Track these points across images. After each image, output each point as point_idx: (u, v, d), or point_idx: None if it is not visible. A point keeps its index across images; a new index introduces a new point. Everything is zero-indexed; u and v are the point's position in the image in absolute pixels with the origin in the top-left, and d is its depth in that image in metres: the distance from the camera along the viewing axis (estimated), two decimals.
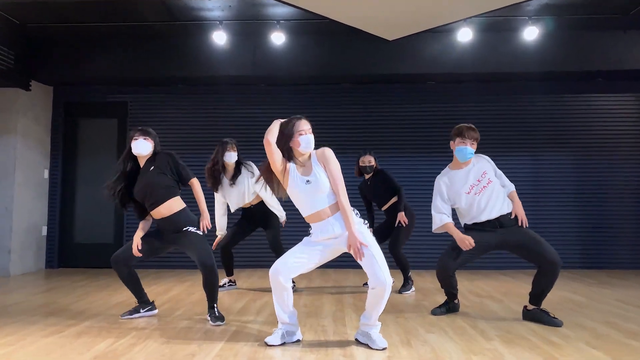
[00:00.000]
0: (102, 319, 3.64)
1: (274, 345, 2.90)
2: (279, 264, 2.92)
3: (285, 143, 2.91)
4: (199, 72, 6.33)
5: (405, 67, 6.25)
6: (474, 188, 3.59)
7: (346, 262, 6.31)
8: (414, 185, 6.49)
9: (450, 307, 3.85)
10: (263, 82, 6.72)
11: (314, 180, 2.86)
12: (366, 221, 2.97)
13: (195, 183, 3.61)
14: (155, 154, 3.65)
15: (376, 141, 6.58)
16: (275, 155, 2.88)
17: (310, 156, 2.95)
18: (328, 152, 2.92)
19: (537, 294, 3.57)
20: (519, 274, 6.03)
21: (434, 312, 3.80)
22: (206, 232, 3.59)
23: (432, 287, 5.06)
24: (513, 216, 3.58)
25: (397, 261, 4.75)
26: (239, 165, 4.77)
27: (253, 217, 4.84)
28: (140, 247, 3.57)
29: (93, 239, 6.75)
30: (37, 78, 6.45)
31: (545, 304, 4.12)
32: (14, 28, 5.93)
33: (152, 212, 3.58)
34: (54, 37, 6.25)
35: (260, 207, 4.80)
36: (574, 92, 6.64)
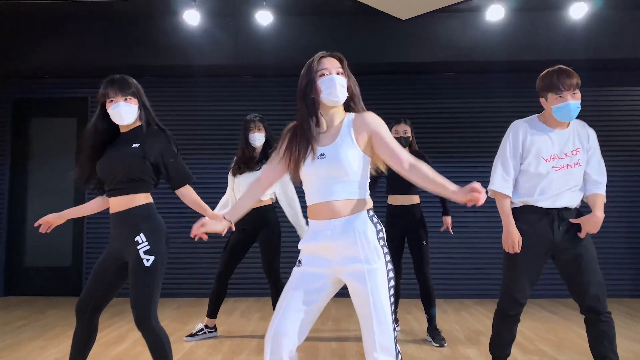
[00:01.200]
0: None
1: None
2: (280, 323, 1.81)
3: (307, 95, 1.91)
4: (170, 61, 5.29)
5: (420, 55, 5.22)
6: (555, 160, 2.51)
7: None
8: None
9: None
10: (247, 72, 5.66)
11: (330, 154, 1.84)
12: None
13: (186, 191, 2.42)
14: (145, 127, 2.40)
15: None
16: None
17: (343, 120, 1.94)
18: (373, 116, 1.95)
19: None
20: (557, 304, 4.96)
21: None
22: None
23: (419, 330, 3.98)
24: (576, 220, 2.48)
25: (426, 288, 3.71)
26: (266, 148, 3.68)
27: (252, 223, 3.66)
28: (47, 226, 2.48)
29: (47, 262, 5.71)
30: None
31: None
32: None
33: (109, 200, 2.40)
34: None
35: (264, 212, 3.73)
36: (627, 85, 5.56)
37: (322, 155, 1.83)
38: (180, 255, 5.48)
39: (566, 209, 2.47)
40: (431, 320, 3.70)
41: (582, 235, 2.44)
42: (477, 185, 1.65)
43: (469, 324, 4.27)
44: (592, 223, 2.42)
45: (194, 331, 3.76)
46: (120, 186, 2.31)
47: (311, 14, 5.14)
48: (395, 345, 1.76)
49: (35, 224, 2.49)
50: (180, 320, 4.42)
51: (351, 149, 1.83)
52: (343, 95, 1.89)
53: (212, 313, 3.78)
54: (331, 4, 4.90)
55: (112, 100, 2.33)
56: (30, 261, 5.73)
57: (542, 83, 2.51)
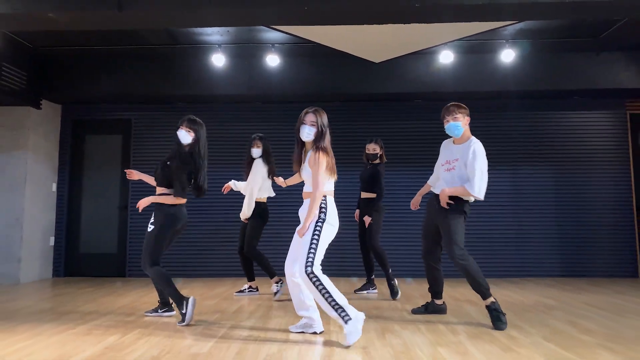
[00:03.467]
0: (109, 318, 4.00)
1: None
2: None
3: (298, 133, 3.43)
4: (198, 91, 6.73)
5: (392, 87, 6.66)
6: (445, 165, 3.91)
7: (339, 270, 6.70)
8: (398, 197, 6.87)
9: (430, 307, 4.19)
10: (258, 100, 7.13)
11: (304, 168, 3.43)
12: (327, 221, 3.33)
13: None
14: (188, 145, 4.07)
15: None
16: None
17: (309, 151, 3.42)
18: (310, 156, 3.35)
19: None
20: (501, 281, 6.37)
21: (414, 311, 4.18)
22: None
23: (417, 294, 5.40)
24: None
25: (376, 254, 5.05)
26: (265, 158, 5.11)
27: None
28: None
29: (97, 249, 7.10)
30: (47, 97, 6.86)
31: (517, 307, 4.49)
32: (27, 51, 6.36)
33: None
34: (63, 59, 6.68)
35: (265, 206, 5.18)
36: (551, 110, 7.06)
37: (302, 168, 3.42)
38: (206, 241, 6.91)
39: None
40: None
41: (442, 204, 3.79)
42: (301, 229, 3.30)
43: (423, 288, 5.69)
44: (444, 190, 3.77)
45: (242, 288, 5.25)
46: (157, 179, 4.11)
47: (307, 56, 6.63)
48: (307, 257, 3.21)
49: (127, 171, 4.20)
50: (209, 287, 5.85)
51: (307, 168, 3.37)
52: (308, 138, 3.39)
53: (249, 277, 5.22)
54: (322, 49, 6.32)
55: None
56: (85, 249, 7.13)
57: (441, 116, 3.96)
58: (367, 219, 5.08)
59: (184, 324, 3.68)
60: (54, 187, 7.12)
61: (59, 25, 4.24)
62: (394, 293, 4.99)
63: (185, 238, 6.94)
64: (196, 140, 3.99)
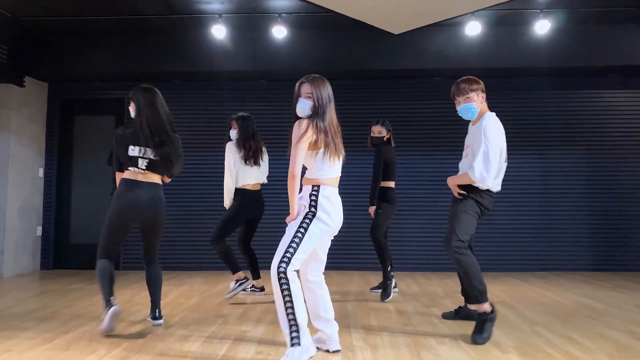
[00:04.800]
0: (94, 326, 3.45)
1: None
2: None
3: (294, 107, 2.84)
4: (197, 67, 6.13)
5: (410, 62, 6.05)
6: (464, 150, 3.37)
7: (351, 264, 6.16)
8: (419, 183, 6.30)
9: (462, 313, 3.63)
10: (263, 77, 6.52)
11: None
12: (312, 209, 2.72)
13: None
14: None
15: None
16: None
17: None
18: (295, 127, 2.76)
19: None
20: (530, 276, 5.83)
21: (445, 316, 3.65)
22: None
23: (441, 291, 4.86)
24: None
25: (376, 245, 4.51)
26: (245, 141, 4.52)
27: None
28: None
29: (90, 240, 6.52)
30: (31, 74, 6.27)
31: (559, 311, 3.95)
32: (7, 21, 5.73)
33: None
34: (49, 31, 6.06)
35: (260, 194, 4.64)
36: (586, 88, 6.43)
37: None
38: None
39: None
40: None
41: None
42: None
43: (449, 286, 5.14)
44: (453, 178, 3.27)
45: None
46: None
47: (317, 28, 6.00)
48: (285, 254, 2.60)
49: None
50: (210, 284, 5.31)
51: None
52: (303, 114, 2.78)
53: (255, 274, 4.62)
54: (334, 20, 5.73)
55: None
56: (75, 239, 6.59)
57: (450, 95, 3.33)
58: (372, 209, 4.54)
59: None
60: (41, 172, 6.55)
61: None
62: (385, 294, 4.44)
63: (185, 228, 6.39)
64: (137, 112, 3.38)
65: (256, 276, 4.68)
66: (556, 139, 6.38)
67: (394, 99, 6.53)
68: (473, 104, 3.18)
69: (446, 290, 4.95)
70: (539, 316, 3.79)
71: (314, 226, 2.66)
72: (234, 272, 4.40)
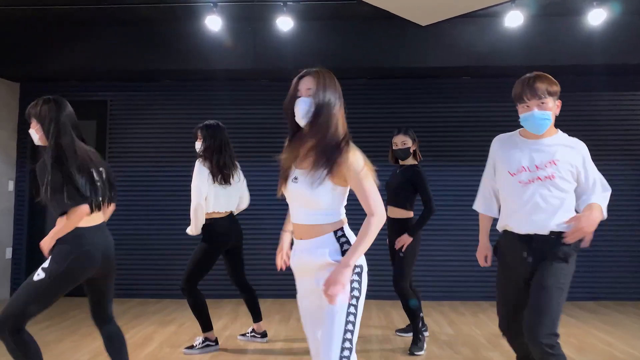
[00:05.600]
0: None
1: None
2: None
3: (290, 116, 1.90)
4: (190, 65, 5.30)
5: (435, 59, 5.21)
6: (524, 173, 2.31)
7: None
8: (443, 198, 5.45)
9: None
10: (265, 77, 5.68)
11: (302, 181, 1.81)
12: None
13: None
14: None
15: None
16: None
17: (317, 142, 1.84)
18: (354, 157, 1.80)
19: None
20: (575, 308, 4.99)
21: None
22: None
23: (480, 335, 4.02)
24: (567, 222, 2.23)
25: (403, 298, 3.59)
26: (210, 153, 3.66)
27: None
28: None
29: None
30: (1, 72, 5.45)
31: None
32: None
33: None
34: (19, 24, 5.25)
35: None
36: None
37: (295, 178, 1.82)
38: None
39: (540, 235, 2.25)
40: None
41: (585, 244, 2.25)
42: (327, 283, 1.70)
43: (488, 327, 4.31)
44: (584, 217, 2.14)
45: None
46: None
47: (329, 18, 5.16)
48: None
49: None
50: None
51: (324, 183, 1.77)
52: (303, 118, 1.83)
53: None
54: (349, 9, 4.91)
55: None
56: None
57: (513, 92, 2.39)
58: (402, 241, 3.59)
59: None
60: (11, 185, 5.73)
61: None
62: (416, 347, 3.55)
63: (176, 247, 5.56)
64: (42, 135, 2.47)
65: (257, 318, 3.86)
66: (609, 146, 5.51)
67: (415, 101, 5.69)
68: (550, 112, 2.29)
69: (485, 332, 4.12)
70: None
71: (364, 288, 1.82)
72: (203, 330, 3.58)
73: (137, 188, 5.70)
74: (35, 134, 2.50)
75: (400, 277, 3.58)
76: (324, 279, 1.72)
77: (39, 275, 2.32)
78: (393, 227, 3.74)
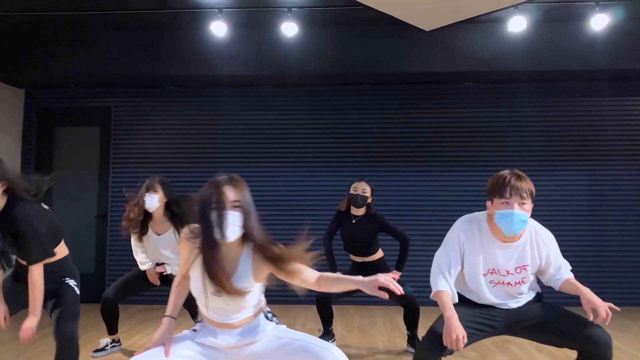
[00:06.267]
0: None
1: None
2: None
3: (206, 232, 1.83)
4: (194, 71, 5.32)
5: (439, 65, 5.23)
6: (494, 275, 2.30)
7: (371, 299, 5.26)
8: (446, 203, 5.45)
9: None
10: (269, 83, 5.69)
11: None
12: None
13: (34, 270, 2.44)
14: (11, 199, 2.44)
15: (401, 152, 5.56)
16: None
17: (242, 252, 1.91)
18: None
19: None
20: (582, 313, 4.96)
21: None
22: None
23: (488, 342, 4.00)
24: (591, 318, 2.20)
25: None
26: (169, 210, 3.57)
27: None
28: None
29: None
30: (5, 79, 5.49)
31: None
32: None
33: None
34: (24, 29, 5.28)
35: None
36: None
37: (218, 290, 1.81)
38: None
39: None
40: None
41: (599, 321, 2.16)
42: (381, 278, 1.73)
43: None
44: (589, 301, 2.17)
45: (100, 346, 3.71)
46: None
47: (333, 24, 5.19)
48: None
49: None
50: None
51: (251, 286, 1.85)
52: (234, 235, 1.81)
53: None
54: (353, 15, 4.94)
55: None
56: None
57: (490, 185, 2.26)
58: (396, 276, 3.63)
59: None
60: None
61: None
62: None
63: None
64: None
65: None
66: (612, 152, 5.51)
67: (420, 107, 5.70)
68: (528, 215, 2.20)
69: (492, 338, 4.09)
70: None
71: None
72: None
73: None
74: None
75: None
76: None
77: None
78: (374, 268, 3.55)
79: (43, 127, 5.94)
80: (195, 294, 1.90)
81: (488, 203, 2.27)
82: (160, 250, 3.59)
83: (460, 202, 5.41)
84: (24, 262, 2.49)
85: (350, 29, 5.20)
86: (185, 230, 1.94)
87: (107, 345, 3.71)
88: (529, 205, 2.19)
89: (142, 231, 3.58)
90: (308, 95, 5.74)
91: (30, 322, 2.43)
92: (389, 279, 1.72)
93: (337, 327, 4.41)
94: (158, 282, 3.66)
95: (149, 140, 5.79)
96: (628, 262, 5.41)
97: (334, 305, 3.76)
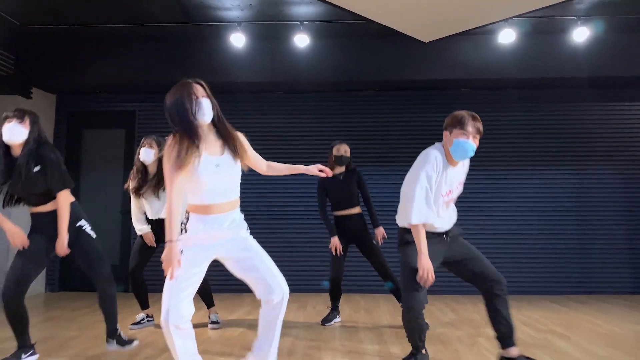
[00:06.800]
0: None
1: None
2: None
3: (185, 118, 2.31)
4: (213, 78, 5.71)
5: (438, 73, 5.73)
6: (448, 196, 2.85)
7: (376, 287, 5.72)
8: None
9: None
10: (281, 89, 6.20)
11: (225, 164, 2.36)
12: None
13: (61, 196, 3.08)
14: (34, 144, 3.04)
15: (402, 152, 6.05)
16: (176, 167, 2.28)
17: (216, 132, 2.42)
18: (243, 137, 2.53)
19: (506, 332, 2.85)
20: (568, 301, 5.43)
21: None
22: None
23: (480, 318, 4.47)
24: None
25: (391, 278, 4.18)
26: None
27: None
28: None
29: None
30: (39, 85, 5.96)
31: (620, 342, 3.56)
32: (14, 30, 5.45)
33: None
34: (57, 40, 5.77)
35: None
36: (627, 100, 6.07)
37: (217, 165, 2.31)
38: None
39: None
40: None
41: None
42: (321, 166, 2.58)
43: None
44: None
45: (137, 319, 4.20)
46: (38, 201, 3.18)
47: (340, 36, 5.70)
48: None
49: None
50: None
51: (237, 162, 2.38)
52: (210, 116, 2.36)
53: (144, 304, 4.21)
54: (359, 28, 5.45)
55: None
56: None
57: (453, 119, 2.79)
58: (383, 232, 4.30)
59: None
60: None
61: None
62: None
63: None
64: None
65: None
66: (593, 153, 6.02)
67: (419, 111, 6.20)
68: (475, 148, 2.82)
69: (484, 316, 4.54)
70: (599, 348, 3.41)
71: None
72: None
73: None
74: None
75: (387, 266, 4.17)
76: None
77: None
78: (354, 222, 4.25)
79: (72, 129, 6.42)
80: (198, 178, 2.27)
81: (445, 133, 2.81)
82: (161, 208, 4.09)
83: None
84: (40, 209, 3.06)
85: (356, 41, 5.71)
86: (163, 152, 2.40)
87: (142, 320, 4.18)
88: (477, 141, 2.77)
89: (142, 187, 4.09)
90: (316, 100, 6.24)
91: (62, 241, 3.02)
92: (323, 167, 2.54)
93: (344, 309, 4.88)
94: (154, 244, 4.13)
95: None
96: (610, 254, 5.87)
97: (343, 294, 4.28)
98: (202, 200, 2.31)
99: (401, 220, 2.87)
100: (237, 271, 2.40)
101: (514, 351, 2.81)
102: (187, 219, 2.33)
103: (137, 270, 4.12)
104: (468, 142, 2.70)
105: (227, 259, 2.40)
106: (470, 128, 2.71)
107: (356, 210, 4.29)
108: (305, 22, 5.31)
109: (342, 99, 6.22)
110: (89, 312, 4.77)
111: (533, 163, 6.02)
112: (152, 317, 4.24)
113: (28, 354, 3.05)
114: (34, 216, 3.09)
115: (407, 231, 2.82)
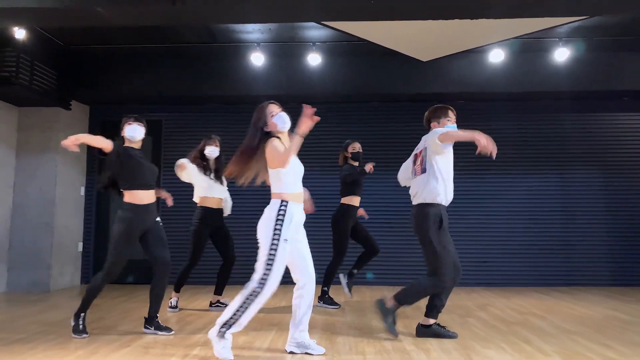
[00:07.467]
0: (157, 335, 3.72)
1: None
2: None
3: (261, 131, 3.18)
4: (234, 92, 6.47)
5: (435, 87, 6.38)
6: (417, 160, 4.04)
7: (380, 278, 6.38)
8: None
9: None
10: (295, 101, 6.84)
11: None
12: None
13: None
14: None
15: (405, 157, 6.67)
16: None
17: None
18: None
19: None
20: (552, 291, 6.07)
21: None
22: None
23: (471, 305, 5.11)
24: None
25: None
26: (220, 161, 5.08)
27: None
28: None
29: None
30: (77, 97, 6.62)
31: (592, 321, 4.19)
32: (57, 49, 6.12)
33: (142, 194, 3.91)
34: (94, 57, 6.43)
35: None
36: (603, 111, 6.75)
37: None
38: None
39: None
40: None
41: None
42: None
43: (478, 300, 5.38)
44: None
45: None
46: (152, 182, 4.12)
47: (348, 55, 6.35)
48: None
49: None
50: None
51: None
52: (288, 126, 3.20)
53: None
54: (365, 48, 6.07)
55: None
56: None
57: (439, 112, 3.89)
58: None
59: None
60: (82, 190, 6.87)
61: (104, 21, 3.99)
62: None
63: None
64: None
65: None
66: (575, 159, 6.69)
67: (418, 122, 6.75)
68: None
69: (475, 302, 5.20)
70: (572, 326, 4.04)
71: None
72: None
73: (188, 194, 6.83)
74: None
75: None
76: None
77: None
78: (355, 212, 5.08)
79: (106, 136, 6.99)
80: (296, 172, 3.16)
81: (434, 124, 3.91)
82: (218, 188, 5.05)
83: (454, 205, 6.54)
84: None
85: (362, 58, 6.36)
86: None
87: (177, 305, 4.81)
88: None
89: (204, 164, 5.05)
90: (326, 111, 6.88)
91: (82, 137, 3.96)
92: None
93: (353, 299, 5.51)
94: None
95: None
96: (590, 250, 6.52)
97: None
98: (299, 188, 3.11)
99: (426, 191, 3.77)
100: (295, 252, 3.08)
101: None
102: (286, 205, 3.00)
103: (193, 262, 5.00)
104: (454, 126, 3.87)
105: (299, 240, 3.12)
106: (452, 116, 3.87)
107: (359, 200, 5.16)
108: (317, 43, 5.98)
109: (350, 109, 6.89)
110: (126, 300, 5.41)
111: (521, 168, 6.68)
112: (176, 306, 4.85)
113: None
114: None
115: (429, 205, 3.67)
